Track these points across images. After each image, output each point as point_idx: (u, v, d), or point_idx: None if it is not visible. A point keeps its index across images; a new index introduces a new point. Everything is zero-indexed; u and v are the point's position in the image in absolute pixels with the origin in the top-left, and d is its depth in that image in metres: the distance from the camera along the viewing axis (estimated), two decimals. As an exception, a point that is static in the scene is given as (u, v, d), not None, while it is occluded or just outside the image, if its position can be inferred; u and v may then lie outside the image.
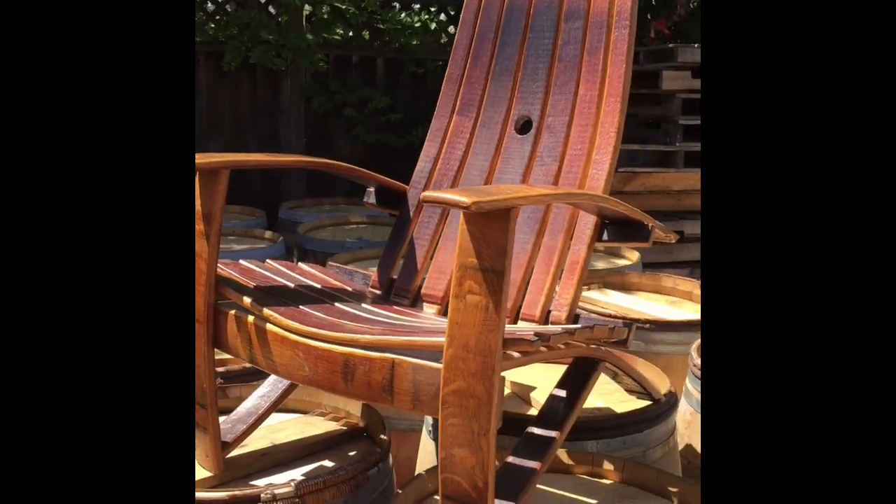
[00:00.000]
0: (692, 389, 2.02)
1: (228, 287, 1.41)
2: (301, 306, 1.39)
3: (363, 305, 1.51)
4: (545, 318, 1.50)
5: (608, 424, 1.63)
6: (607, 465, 1.50)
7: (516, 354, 1.19)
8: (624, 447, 1.64)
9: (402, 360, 1.19)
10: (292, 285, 1.52)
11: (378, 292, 1.70)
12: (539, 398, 1.77)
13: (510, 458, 1.34)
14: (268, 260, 1.65)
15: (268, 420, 1.73)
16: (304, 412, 1.77)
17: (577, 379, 1.45)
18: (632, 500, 1.44)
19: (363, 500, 1.43)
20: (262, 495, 1.34)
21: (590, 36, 1.63)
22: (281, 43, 4.92)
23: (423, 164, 1.78)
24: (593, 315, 1.53)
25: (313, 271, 1.68)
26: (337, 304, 1.47)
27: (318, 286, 1.57)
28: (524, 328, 1.31)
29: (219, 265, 1.47)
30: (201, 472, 1.48)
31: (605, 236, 1.51)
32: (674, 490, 1.43)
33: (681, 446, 2.05)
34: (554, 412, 1.41)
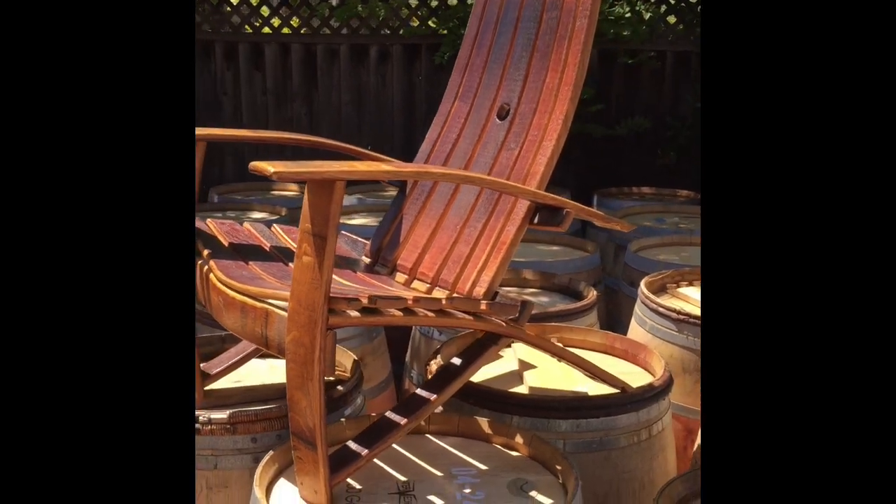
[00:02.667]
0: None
1: (201, 241, 1.67)
2: (250, 262, 1.61)
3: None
4: (471, 293, 1.59)
5: (560, 405, 1.67)
6: (519, 438, 1.56)
7: (354, 314, 1.32)
8: (577, 430, 1.67)
9: (273, 310, 1.37)
10: (268, 246, 1.75)
11: (368, 261, 1.88)
12: (531, 378, 1.84)
13: (387, 413, 1.46)
14: (274, 226, 1.89)
15: (279, 363, 1.98)
16: (313, 363, 1.99)
17: (473, 351, 1.53)
18: (521, 471, 1.49)
19: (298, 437, 1.63)
20: (199, 418, 1.59)
21: (561, 25, 1.67)
22: (492, 35, 5.16)
23: (424, 146, 1.91)
24: (521, 299, 1.58)
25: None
26: (292, 264, 1.67)
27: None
28: (361, 290, 1.42)
29: (207, 223, 1.75)
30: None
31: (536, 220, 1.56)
32: (559, 468, 1.45)
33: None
34: (441, 378, 1.50)
